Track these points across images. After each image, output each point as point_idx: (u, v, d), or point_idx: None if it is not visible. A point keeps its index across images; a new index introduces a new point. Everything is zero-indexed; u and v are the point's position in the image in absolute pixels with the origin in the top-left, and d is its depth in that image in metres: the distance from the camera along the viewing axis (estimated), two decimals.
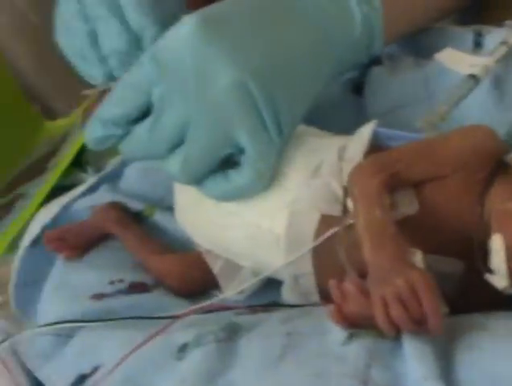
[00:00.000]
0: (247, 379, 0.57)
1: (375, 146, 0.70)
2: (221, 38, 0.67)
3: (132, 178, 0.93)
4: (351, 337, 0.58)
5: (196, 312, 0.68)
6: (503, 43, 0.80)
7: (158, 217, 0.88)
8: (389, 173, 0.62)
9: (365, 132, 0.71)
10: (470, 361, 0.52)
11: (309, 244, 0.68)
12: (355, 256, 0.63)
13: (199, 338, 0.63)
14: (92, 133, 0.72)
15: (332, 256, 0.68)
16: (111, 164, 0.96)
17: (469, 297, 0.63)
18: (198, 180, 0.71)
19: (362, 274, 0.63)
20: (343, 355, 0.56)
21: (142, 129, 0.70)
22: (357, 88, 0.90)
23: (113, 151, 0.94)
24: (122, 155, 0.78)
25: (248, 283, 0.73)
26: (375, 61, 0.87)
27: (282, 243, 0.70)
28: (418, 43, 0.88)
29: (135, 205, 0.89)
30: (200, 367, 0.60)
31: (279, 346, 0.60)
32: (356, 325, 0.58)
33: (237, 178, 0.69)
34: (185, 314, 0.67)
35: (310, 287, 0.71)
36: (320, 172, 0.70)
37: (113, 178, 0.95)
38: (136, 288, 0.80)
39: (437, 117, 0.76)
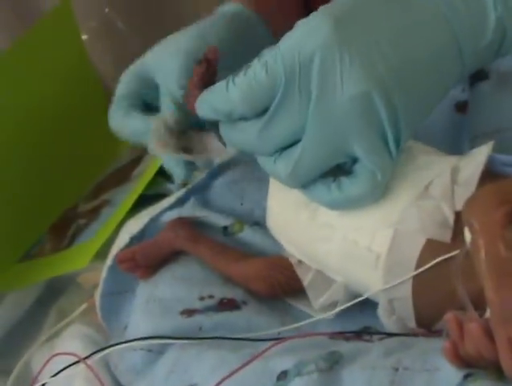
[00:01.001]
0: None
1: (489, 172, 0.66)
2: (356, 42, 0.62)
3: (220, 191, 0.92)
4: (467, 377, 0.54)
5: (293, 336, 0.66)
6: None
7: (248, 232, 0.86)
8: None
9: (481, 154, 0.67)
10: None
11: (412, 268, 0.65)
12: (468, 288, 0.59)
13: (300, 366, 0.61)
14: (201, 111, 0.69)
15: (435, 284, 0.65)
16: (199, 176, 0.95)
17: None
18: (305, 184, 0.68)
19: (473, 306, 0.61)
20: None
21: (253, 127, 0.66)
22: (461, 105, 0.85)
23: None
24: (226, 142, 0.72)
25: (341, 306, 0.71)
26: (480, 76, 0.83)
27: (381, 263, 0.67)
28: None
29: (223, 220, 0.87)
30: None
31: (386, 381, 0.57)
32: (471, 365, 0.55)
33: (351, 187, 0.66)
34: (285, 340, 0.65)
35: (406, 312, 0.67)
36: (430, 193, 0.66)
37: (202, 190, 0.93)
38: (226, 305, 0.78)
39: None
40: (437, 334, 0.65)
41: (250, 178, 0.91)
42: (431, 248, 0.65)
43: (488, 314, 0.58)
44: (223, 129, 0.69)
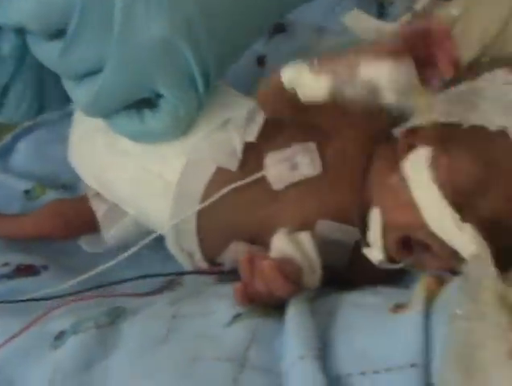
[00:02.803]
0: (121, 364, 0.53)
1: None
2: None
3: (23, 153, 0.88)
4: (236, 317, 0.55)
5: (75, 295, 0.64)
6: (409, 8, 0.78)
7: (51, 195, 0.83)
8: None
9: None
10: (345, 338, 0.50)
11: (198, 199, 0.66)
12: (258, 216, 0.63)
13: (77, 325, 0.59)
14: None
15: (220, 215, 0.66)
16: (3, 139, 0.90)
17: (357, 269, 0.62)
18: (106, 115, 0.66)
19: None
20: (223, 337, 0.53)
21: (55, 48, 0.63)
22: (261, 59, 0.86)
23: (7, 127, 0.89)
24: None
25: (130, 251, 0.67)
26: (279, 28, 0.84)
27: (172, 191, 0.67)
28: (319, 8, 0.85)
29: (24, 184, 0.84)
30: (76, 354, 0.56)
31: (163, 329, 0.56)
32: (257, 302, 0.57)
33: (153, 120, 0.65)
34: (67, 302, 0.63)
35: (192, 245, 0.68)
36: (226, 128, 0.67)
37: (5, 153, 0.89)
38: (23, 271, 0.75)
39: None
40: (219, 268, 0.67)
41: (56, 139, 0.88)
42: (221, 178, 0.66)
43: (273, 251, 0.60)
44: (30, 43, 0.65)
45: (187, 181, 0.66)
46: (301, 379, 0.47)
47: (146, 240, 0.67)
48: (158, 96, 0.64)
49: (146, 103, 0.65)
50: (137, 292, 0.67)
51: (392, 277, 0.62)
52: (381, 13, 0.81)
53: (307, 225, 0.63)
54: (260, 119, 0.67)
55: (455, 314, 0.46)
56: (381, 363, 0.47)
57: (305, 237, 0.60)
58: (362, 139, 0.65)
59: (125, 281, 0.65)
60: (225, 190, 0.64)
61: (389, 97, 0.56)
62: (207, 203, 0.65)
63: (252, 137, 0.66)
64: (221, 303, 0.58)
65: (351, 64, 0.57)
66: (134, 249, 0.66)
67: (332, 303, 0.56)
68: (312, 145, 0.64)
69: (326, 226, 0.63)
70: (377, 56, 0.56)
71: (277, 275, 0.56)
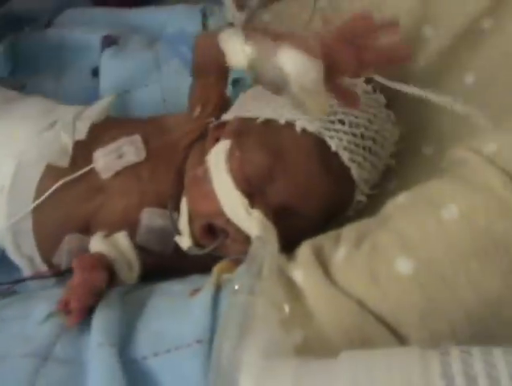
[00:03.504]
0: None
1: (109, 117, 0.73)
2: None
3: None
4: (49, 315, 0.57)
5: None
6: (230, 24, 0.82)
7: None
8: None
9: (105, 100, 0.73)
10: (146, 324, 0.53)
11: (31, 198, 0.67)
12: (86, 208, 0.66)
13: None
14: None
15: (54, 212, 0.67)
16: None
17: (183, 256, 0.64)
18: None
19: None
20: (33, 335, 0.55)
21: None
22: (96, 70, 0.88)
23: None
24: None
25: None
26: (109, 41, 0.87)
27: (5, 196, 0.67)
28: (149, 20, 0.89)
29: None
30: None
31: None
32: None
33: None
34: None
35: (31, 247, 0.69)
36: (54, 128, 0.69)
37: None
38: None
39: None
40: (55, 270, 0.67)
41: None
42: (51, 175, 0.67)
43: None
44: None
45: (19, 183, 0.68)
46: (98, 365, 0.50)
47: None
48: None
49: None
50: None
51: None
52: (204, 24, 0.85)
53: (132, 213, 0.66)
54: (88, 120, 0.70)
55: (234, 290, 0.50)
56: (172, 342, 0.51)
57: (121, 237, 0.63)
58: (192, 134, 0.69)
59: None
60: (56, 186, 0.66)
61: (293, 89, 0.57)
62: (39, 200, 0.67)
63: (82, 135, 0.69)
64: (39, 304, 0.60)
65: (275, 46, 0.57)
66: None
67: (145, 293, 0.59)
68: (137, 137, 0.69)
69: (150, 213, 0.66)
70: (297, 47, 0.56)
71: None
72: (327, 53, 0.56)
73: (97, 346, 0.51)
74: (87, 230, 0.67)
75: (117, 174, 0.67)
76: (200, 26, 0.86)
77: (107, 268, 0.60)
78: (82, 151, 0.68)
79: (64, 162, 0.68)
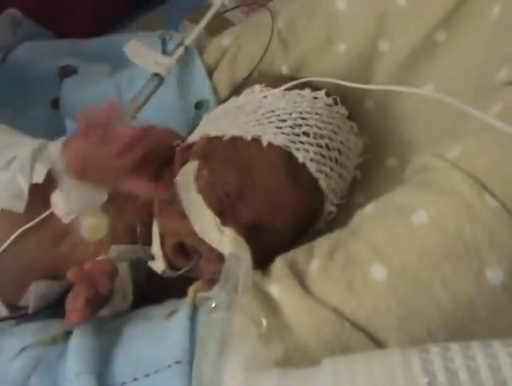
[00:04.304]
0: None
1: None
2: None
3: None
4: (22, 350, 0.56)
5: None
6: (180, 44, 0.83)
7: None
8: None
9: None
10: (124, 350, 0.52)
11: None
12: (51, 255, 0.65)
13: None
14: None
15: (13, 261, 0.65)
16: None
17: (156, 283, 0.64)
18: None
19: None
20: (8, 370, 0.54)
21: None
22: (55, 102, 0.88)
23: None
24: None
25: None
26: (68, 72, 0.87)
27: None
28: (109, 49, 0.89)
29: None
30: None
31: None
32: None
33: None
34: None
35: None
36: (10, 167, 0.67)
37: None
38: None
39: (127, 116, 0.77)
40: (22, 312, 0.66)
41: None
42: (6, 221, 0.65)
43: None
44: None
45: None
46: None
47: None
48: None
49: None
50: None
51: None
52: (164, 50, 0.86)
53: (101, 252, 0.65)
54: (47, 163, 0.68)
55: (211, 308, 0.50)
56: (151, 366, 0.50)
57: (125, 267, 0.63)
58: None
59: None
60: (14, 235, 0.64)
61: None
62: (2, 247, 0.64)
63: (40, 178, 0.67)
64: (10, 340, 0.58)
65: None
66: None
67: (124, 319, 0.58)
68: None
69: (118, 250, 0.65)
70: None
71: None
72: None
73: (74, 376, 0.50)
74: (54, 275, 0.66)
75: None
76: (160, 51, 0.87)
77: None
78: (38, 194, 0.66)
79: (20, 208, 0.65)
